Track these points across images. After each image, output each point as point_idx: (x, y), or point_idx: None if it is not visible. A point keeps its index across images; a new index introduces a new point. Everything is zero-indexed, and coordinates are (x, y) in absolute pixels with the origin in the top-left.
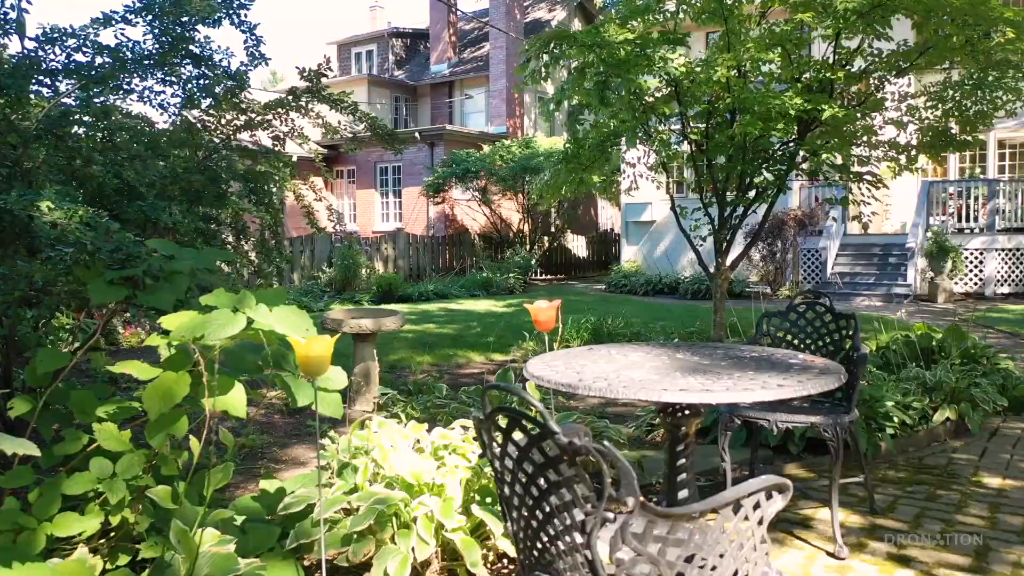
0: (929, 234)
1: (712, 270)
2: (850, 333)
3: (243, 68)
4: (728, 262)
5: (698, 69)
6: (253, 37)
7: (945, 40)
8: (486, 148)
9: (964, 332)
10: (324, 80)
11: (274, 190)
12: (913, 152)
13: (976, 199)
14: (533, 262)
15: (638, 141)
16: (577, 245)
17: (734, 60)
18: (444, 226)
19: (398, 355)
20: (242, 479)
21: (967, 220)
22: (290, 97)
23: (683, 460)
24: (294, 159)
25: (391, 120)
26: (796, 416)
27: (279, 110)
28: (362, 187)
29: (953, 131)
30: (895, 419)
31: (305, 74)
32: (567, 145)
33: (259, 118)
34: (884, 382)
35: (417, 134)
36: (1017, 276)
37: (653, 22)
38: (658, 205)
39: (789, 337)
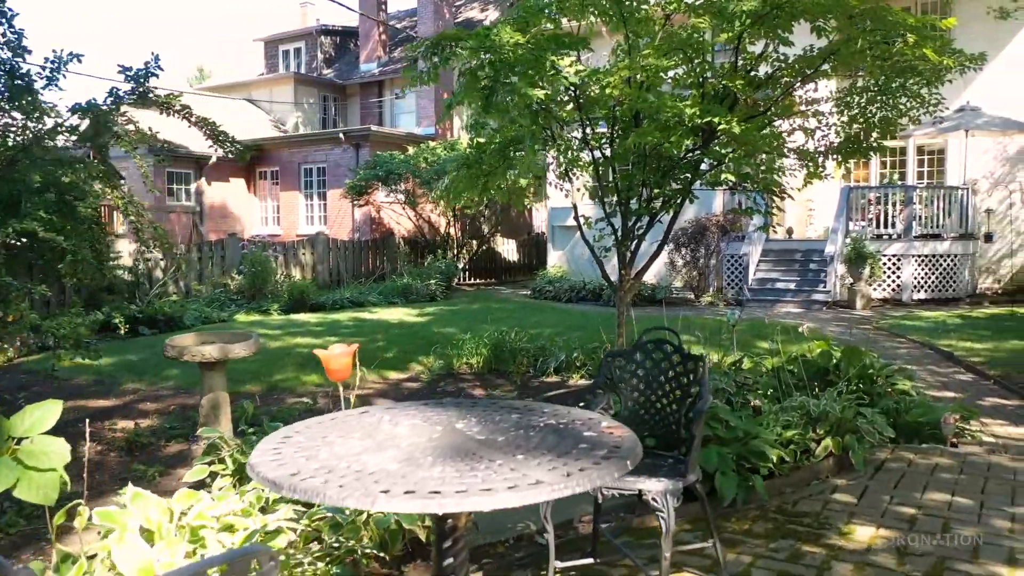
0: (848, 240)
1: (617, 281)
2: (698, 378)
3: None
4: (633, 273)
5: (595, 76)
6: (13, 31)
7: (848, 46)
8: (411, 150)
9: (862, 352)
10: (248, 77)
11: (80, 203)
12: (821, 159)
13: (894, 205)
14: (461, 265)
15: (540, 147)
16: (508, 248)
17: (628, 69)
18: (370, 229)
19: (284, 374)
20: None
21: (885, 226)
22: (110, 100)
23: (450, 559)
24: (127, 170)
25: (319, 120)
26: (625, 481)
27: (92, 113)
28: (286, 188)
29: (861, 138)
30: (773, 456)
31: (131, 74)
32: (468, 150)
33: (65, 123)
34: (765, 414)
35: (341, 135)
36: (933, 282)
37: (555, 24)
38: (583, 209)
39: (635, 381)
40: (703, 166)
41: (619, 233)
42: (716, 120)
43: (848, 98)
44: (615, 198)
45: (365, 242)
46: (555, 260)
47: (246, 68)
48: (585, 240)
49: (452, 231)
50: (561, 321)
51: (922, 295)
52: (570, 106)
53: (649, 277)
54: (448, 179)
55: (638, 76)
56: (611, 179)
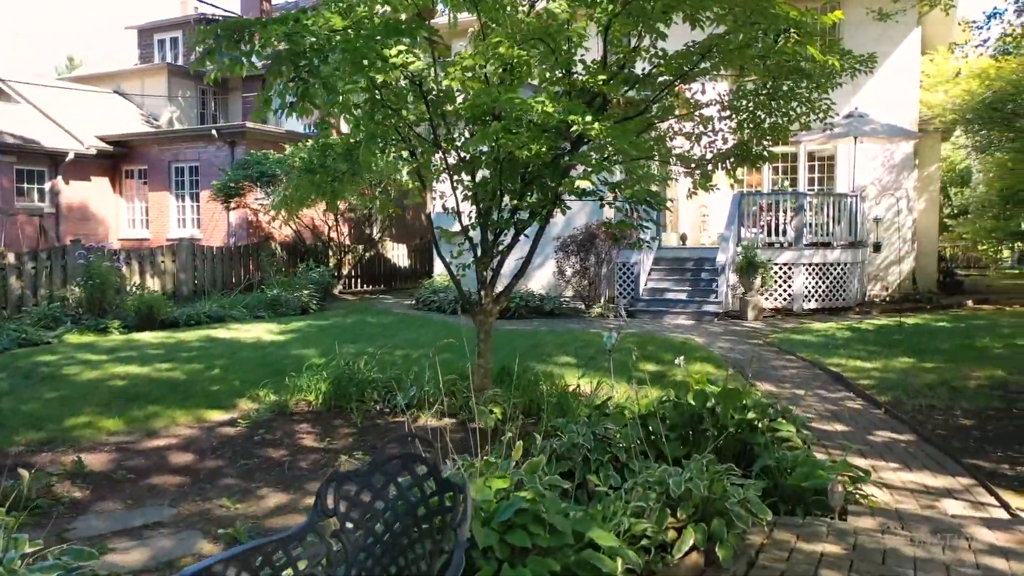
0: (740, 248)
1: (476, 303)
2: (456, 520)
3: None
4: (495, 294)
5: (435, 69)
6: None
7: (728, 41)
8: (288, 148)
9: (740, 392)
10: (116, 68)
11: None
12: (711, 168)
13: (785, 212)
14: (345, 272)
15: (388, 149)
16: (398, 254)
17: (472, 59)
18: (247, 234)
19: (79, 418)
20: None
21: (777, 234)
22: None
23: None
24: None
25: (197, 115)
26: None
27: None
28: (155, 189)
29: (751, 145)
30: (614, 569)
31: None
32: (313, 154)
33: None
34: (610, 499)
35: (214, 131)
36: (823, 291)
37: (398, 7)
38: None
39: (370, 520)
40: (574, 173)
41: (478, 249)
42: (573, 120)
43: (736, 102)
44: (474, 208)
45: (237, 248)
46: (441, 268)
47: (120, 58)
48: (440, 255)
49: (335, 235)
50: (436, 339)
51: (813, 304)
52: (417, 105)
53: (537, 287)
54: (291, 185)
55: (488, 68)
56: (468, 188)
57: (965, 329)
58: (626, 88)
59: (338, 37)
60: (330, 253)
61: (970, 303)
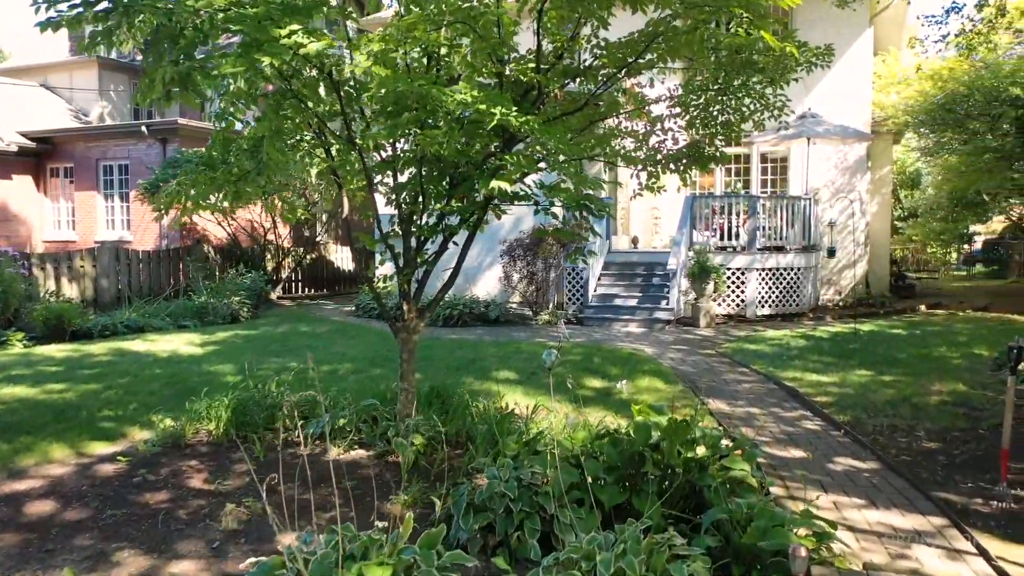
0: (692, 253)
1: (400, 319)
2: None
3: None
4: (419, 307)
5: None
6: None
7: (675, 28)
8: None
9: (688, 425)
10: (45, 61)
11: None
12: (658, 168)
13: (738, 215)
14: (285, 275)
15: (296, 145)
16: (342, 256)
17: (382, 44)
18: (180, 236)
19: None
20: None
21: (730, 237)
22: None
23: None
24: None
25: (130, 110)
26: None
27: None
28: (82, 188)
29: (702, 144)
30: None
31: None
32: (212, 148)
33: None
34: None
35: (144, 128)
36: (776, 296)
37: None
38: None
39: None
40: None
41: (400, 258)
42: (493, 113)
43: (686, 97)
44: (397, 213)
45: (167, 252)
46: (386, 271)
47: (49, 51)
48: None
49: (274, 237)
50: (370, 352)
51: (766, 310)
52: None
53: (483, 293)
54: (182, 181)
55: (401, 53)
56: (390, 190)
57: (921, 337)
58: (566, 81)
59: (221, 15)
60: (268, 256)
61: (923, 308)
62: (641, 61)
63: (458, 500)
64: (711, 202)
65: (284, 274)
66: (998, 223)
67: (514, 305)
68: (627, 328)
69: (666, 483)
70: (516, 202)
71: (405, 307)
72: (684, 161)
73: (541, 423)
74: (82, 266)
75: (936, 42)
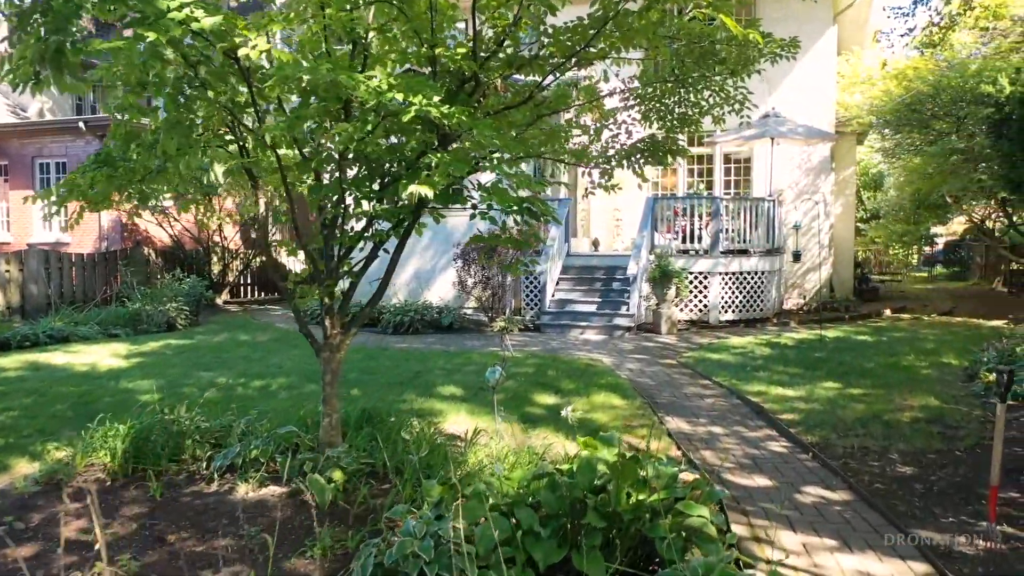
0: (653, 256)
1: (320, 338)
2: None
3: None
4: (343, 322)
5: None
6: None
7: (624, 12)
8: None
9: (638, 463)
10: None
11: None
12: (612, 165)
13: (700, 217)
14: (231, 279)
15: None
16: (295, 258)
17: (286, 22)
18: (121, 239)
19: None
20: None
21: (692, 240)
22: None
23: None
24: None
25: (73, 106)
26: None
27: None
28: (17, 187)
29: (660, 139)
30: None
31: None
32: (110, 142)
33: None
34: None
35: (82, 124)
36: (739, 301)
37: None
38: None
39: None
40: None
41: (323, 270)
42: (415, 103)
43: (642, 89)
44: (320, 217)
45: (103, 255)
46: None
47: None
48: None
49: (220, 239)
50: (309, 364)
51: (730, 315)
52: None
53: (436, 298)
54: (62, 181)
55: (309, 34)
56: (310, 191)
57: (888, 344)
58: (511, 72)
59: None
60: (214, 259)
61: (888, 312)
62: (592, 50)
63: (364, 562)
64: (673, 203)
65: (231, 278)
66: (958, 224)
67: (470, 311)
68: (585, 335)
69: (613, 533)
70: (451, 206)
71: (327, 322)
72: (639, 157)
73: (481, 452)
74: (7, 271)
75: (903, 35)
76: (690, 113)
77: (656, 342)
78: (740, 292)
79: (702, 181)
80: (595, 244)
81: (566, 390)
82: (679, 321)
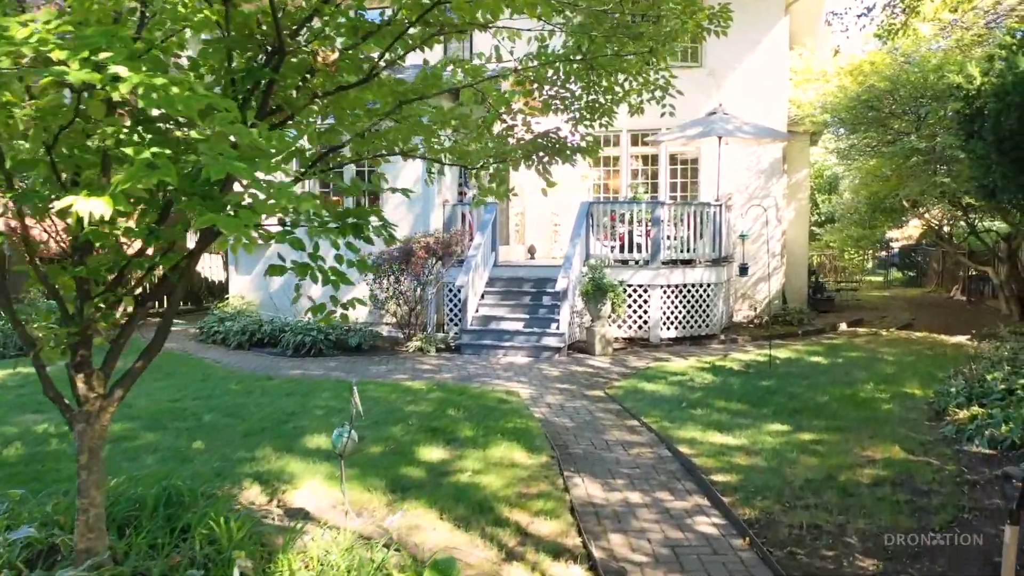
0: (586, 268)
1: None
2: None
3: None
4: (108, 387)
5: None
6: None
7: None
8: None
9: None
10: None
11: None
12: (498, 167)
13: (640, 223)
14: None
15: None
16: (212, 264)
17: None
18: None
19: None
20: None
21: (631, 250)
22: None
23: None
24: None
25: None
26: None
27: None
28: None
29: (563, 133)
30: None
31: None
32: None
33: None
34: None
35: None
36: (682, 317)
37: None
38: (275, 220)
39: None
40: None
41: (73, 313)
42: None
43: (540, 70)
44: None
45: None
46: (240, 288)
47: None
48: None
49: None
50: (174, 397)
51: (672, 332)
52: None
53: (352, 313)
54: None
55: None
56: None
57: (844, 368)
58: (355, 40)
59: None
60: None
61: (844, 325)
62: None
63: None
64: (610, 209)
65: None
66: (914, 228)
67: (387, 328)
68: (509, 358)
69: None
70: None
71: (80, 383)
72: (541, 154)
73: (314, 550)
74: None
75: (860, 15)
76: (602, 101)
77: (587, 366)
78: (684, 306)
79: (646, 183)
80: (531, 251)
81: (462, 439)
82: (616, 339)
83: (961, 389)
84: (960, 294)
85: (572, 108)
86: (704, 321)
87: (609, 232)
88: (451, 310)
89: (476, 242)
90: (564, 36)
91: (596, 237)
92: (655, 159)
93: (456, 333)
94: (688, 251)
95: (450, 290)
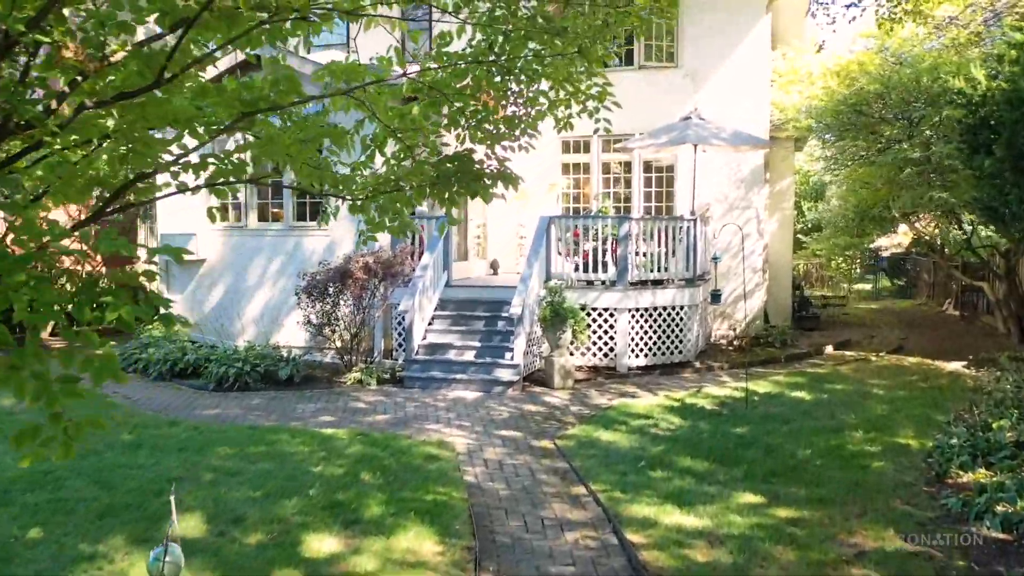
0: (544, 291)
1: None
2: None
3: None
4: None
5: None
6: None
7: None
8: None
9: None
10: None
11: None
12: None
13: (605, 240)
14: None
15: None
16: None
17: None
18: None
19: None
20: None
21: (596, 269)
22: None
23: None
24: None
25: None
26: None
27: None
28: None
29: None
30: None
31: None
32: None
33: None
34: None
35: None
36: (652, 343)
37: None
38: (211, 236)
39: None
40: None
41: None
42: None
43: (446, 79)
44: None
45: None
46: (174, 307)
47: None
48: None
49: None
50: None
51: (642, 360)
52: None
53: (287, 340)
54: None
55: None
56: None
57: (828, 407)
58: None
59: None
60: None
61: (830, 348)
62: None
63: None
64: (573, 224)
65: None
66: (903, 235)
67: (331, 354)
68: (457, 392)
69: None
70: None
71: None
72: (452, 182)
73: None
74: None
75: (848, 6)
76: (521, 115)
77: (542, 403)
78: (654, 331)
79: (619, 193)
80: (494, 267)
81: (366, 520)
82: (580, 368)
83: (964, 442)
84: (952, 308)
85: (485, 123)
86: (676, 347)
87: (572, 249)
88: (399, 335)
89: (424, 262)
90: (472, 32)
91: (559, 252)
92: (628, 167)
93: (402, 363)
94: (659, 270)
95: (398, 313)
